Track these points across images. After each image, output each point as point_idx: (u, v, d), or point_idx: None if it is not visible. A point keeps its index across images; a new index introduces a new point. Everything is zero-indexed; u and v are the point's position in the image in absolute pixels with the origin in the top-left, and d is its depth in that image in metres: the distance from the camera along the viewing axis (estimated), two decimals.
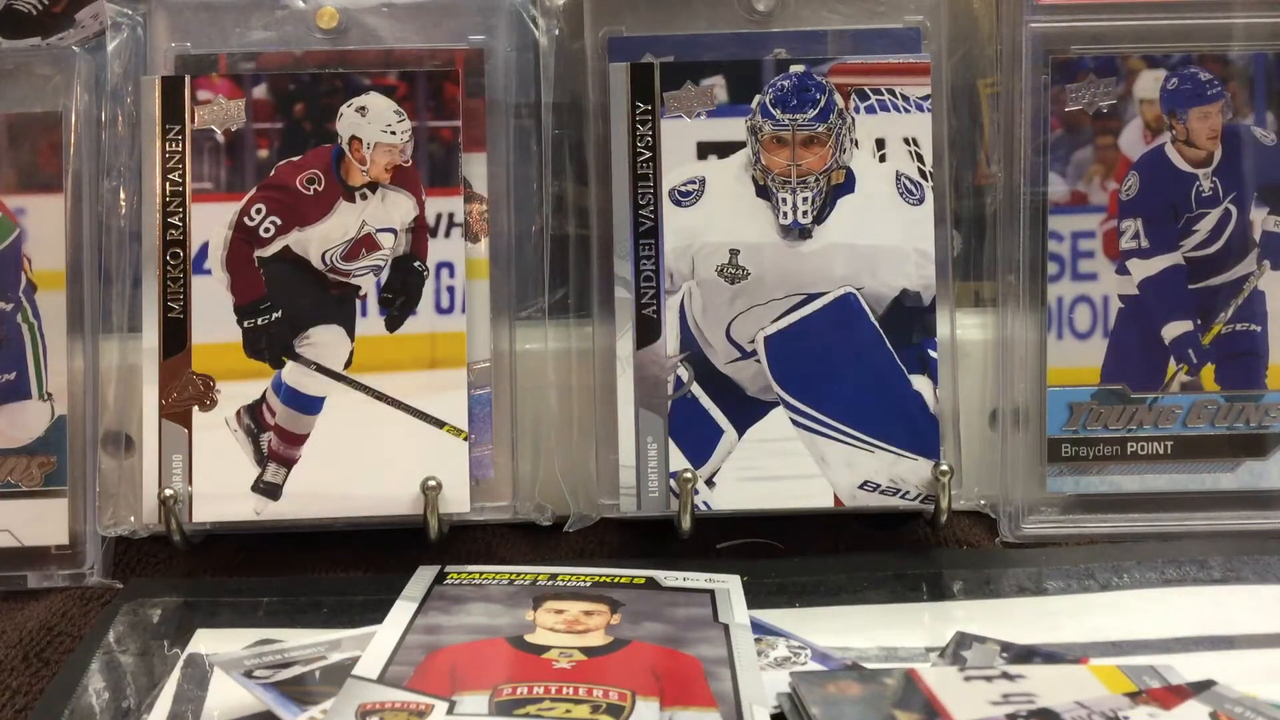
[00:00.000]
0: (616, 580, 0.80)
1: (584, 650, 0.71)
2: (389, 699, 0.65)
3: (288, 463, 0.85)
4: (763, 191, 0.86)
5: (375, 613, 0.76)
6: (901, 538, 0.88)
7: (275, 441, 0.85)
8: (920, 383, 0.85)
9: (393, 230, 0.86)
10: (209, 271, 0.85)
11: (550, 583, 0.80)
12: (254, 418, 0.85)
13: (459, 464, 0.85)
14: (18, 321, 0.86)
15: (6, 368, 0.86)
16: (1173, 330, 0.88)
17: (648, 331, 0.86)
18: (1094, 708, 0.63)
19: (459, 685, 0.66)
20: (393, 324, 0.86)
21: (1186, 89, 0.88)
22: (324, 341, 0.86)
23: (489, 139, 0.88)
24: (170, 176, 0.86)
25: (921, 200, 0.86)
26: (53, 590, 0.84)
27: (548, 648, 0.71)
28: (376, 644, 0.71)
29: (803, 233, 0.86)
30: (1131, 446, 0.88)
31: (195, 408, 0.85)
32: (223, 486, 0.84)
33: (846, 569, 0.84)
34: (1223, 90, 0.88)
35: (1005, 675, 0.67)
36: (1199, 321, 0.88)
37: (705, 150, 0.86)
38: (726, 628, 0.74)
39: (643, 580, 0.80)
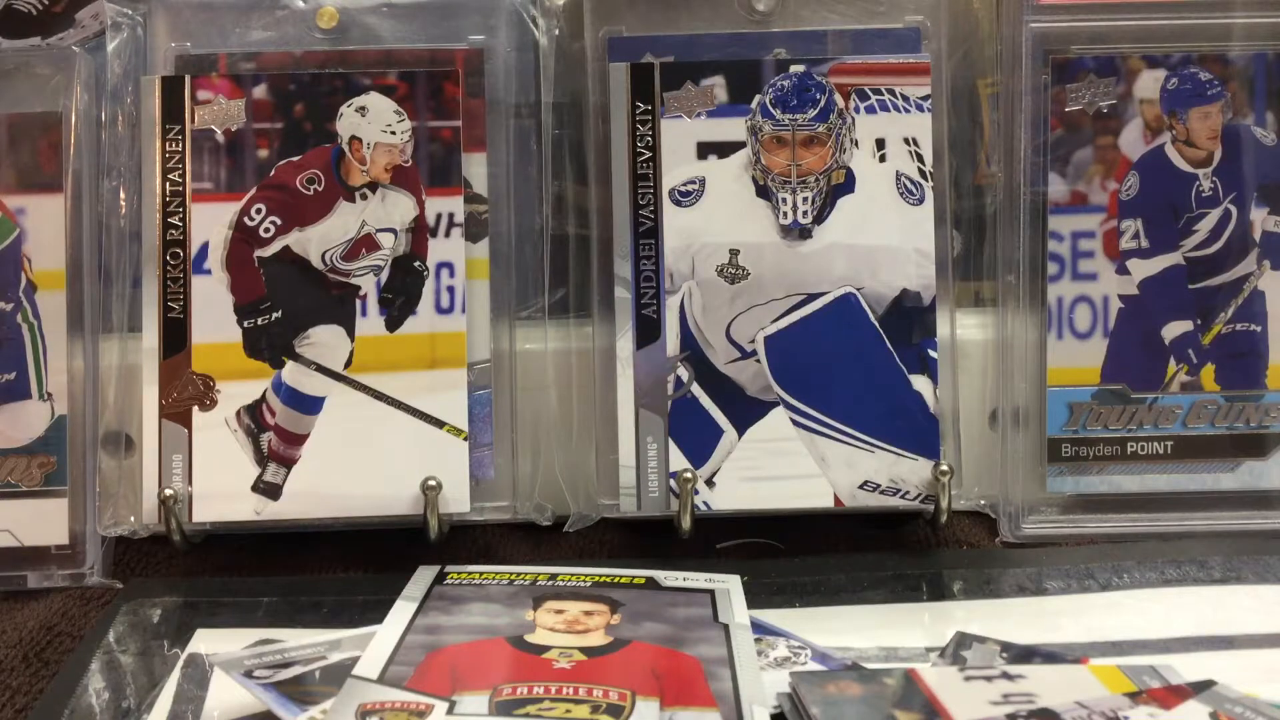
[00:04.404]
0: (616, 580, 0.80)
1: (584, 650, 0.71)
2: (389, 699, 0.65)
3: (288, 463, 0.85)
4: (763, 191, 0.86)
5: (375, 613, 0.76)
6: (901, 538, 0.88)
7: (275, 441, 0.85)
8: (920, 383, 0.85)
9: (393, 230, 0.86)
10: (209, 271, 0.85)
11: (550, 583, 0.80)
12: (254, 418, 0.85)
13: (459, 464, 0.85)
14: (18, 321, 0.86)
15: (6, 368, 0.86)
16: (1173, 330, 0.88)
17: (648, 331, 0.86)
18: (1094, 708, 0.63)
19: (459, 685, 0.66)
20: (393, 324, 0.86)
21: (1186, 89, 0.88)
22: (324, 341, 0.86)
23: (489, 139, 0.88)
24: (170, 176, 0.86)
25: (921, 200, 0.86)
26: (53, 590, 0.84)
27: (548, 648, 0.71)
28: (376, 644, 0.71)
29: (803, 233, 0.86)
30: (1131, 446, 0.88)
31: (195, 408, 0.85)
32: (223, 486, 0.84)
33: (846, 569, 0.84)
34: (1223, 90, 0.88)
35: (1005, 675, 0.67)
36: (1199, 321, 0.88)
37: (705, 150, 0.86)
38: (726, 628, 0.74)
39: (643, 580, 0.80)
